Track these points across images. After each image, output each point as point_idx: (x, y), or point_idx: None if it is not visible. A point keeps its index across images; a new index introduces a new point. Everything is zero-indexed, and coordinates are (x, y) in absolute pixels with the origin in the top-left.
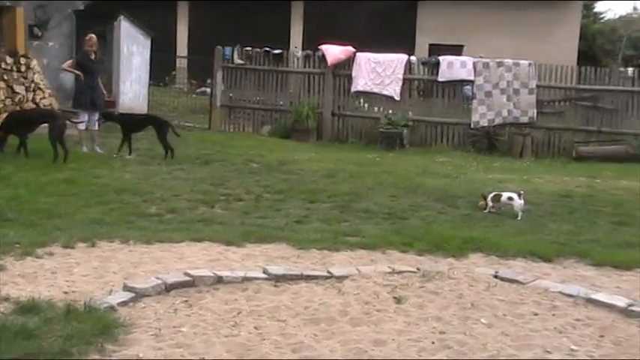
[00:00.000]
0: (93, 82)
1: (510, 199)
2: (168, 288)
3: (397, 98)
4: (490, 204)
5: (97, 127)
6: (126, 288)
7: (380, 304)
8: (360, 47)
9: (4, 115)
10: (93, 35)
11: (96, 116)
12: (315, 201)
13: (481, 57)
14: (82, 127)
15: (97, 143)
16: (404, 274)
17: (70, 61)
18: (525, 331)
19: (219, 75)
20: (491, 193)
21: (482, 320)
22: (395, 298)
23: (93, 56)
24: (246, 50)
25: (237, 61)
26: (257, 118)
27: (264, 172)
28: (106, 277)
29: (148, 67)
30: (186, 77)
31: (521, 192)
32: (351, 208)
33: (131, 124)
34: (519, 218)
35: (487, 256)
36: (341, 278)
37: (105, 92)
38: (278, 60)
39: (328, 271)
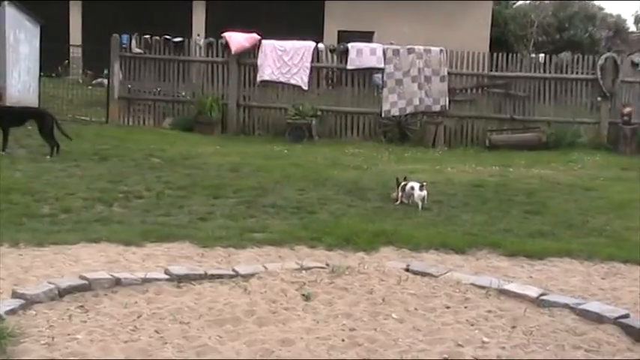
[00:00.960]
0: None
1: (412, 188)
2: (62, 293)
3: (305, 87)
4: (400, 194)
5: None
6: (15, 295)
7: (288, 302)
8: (266, 34)
9: None
10: None
11: None
12: (219, 196)
13: (392, 44)
14: None
15: None
16: (312, 270)
17: None
18: (437, 324)
19: (116, 65)
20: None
21: (394, 315)
22: (303, 295)
23: None
24: (145, 38)
25: (136, 49)
26: (158, 111)
27: (165, 168)
28: None
29: (38, 56)
30: (81, 68)
31: (424, 183)
32: (258, 204)
33: (8, 118)
34: (420, 209)
35: (398, 250)
36: (247, 276)
37: None
38: (179, 49)
39: (233, 270)
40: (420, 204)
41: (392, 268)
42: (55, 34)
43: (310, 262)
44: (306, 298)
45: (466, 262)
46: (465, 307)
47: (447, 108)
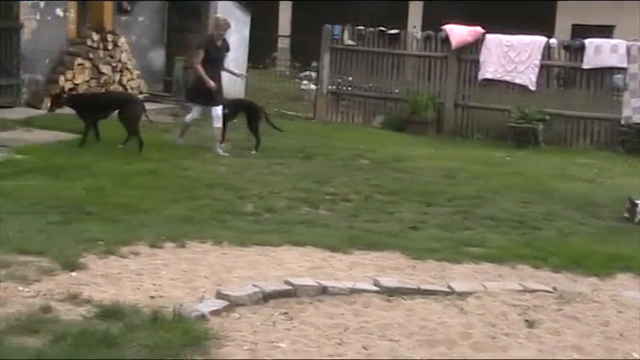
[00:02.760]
0: (214, 72)
1: None
2: (267, 297)
3: (532, 88)
4: None
5: (219, 125)
6: (219, 295)
7: (508, 327)
8: (490, 28)
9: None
10: (222, 17)
11: (216, 111)
12: (432, 204)
13: (636, 40)
14: (188, 119)
15: (221, 143)
16: (537, 293)
17: (201, 54)
18: None
19: (326, 57)
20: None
21: (634, 355)
22: (526, 321)
23: (220, 42)
24: (358, 30)
25: (348, 41)
26: (368, 108)
27: (374, 170)
28: (196, 281)
29: (247, 47)
30: (289, 59)
31: None
32: (475, 214)
33: (224, 110)
34: None
35: (638, 277)
36: (463, 295)
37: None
38: (394, 41)
39: (449, 286)
40: None
41: (631, 298)
42: (263, 24)
43: (534, 284)
44: (530, 324)
45: None
46: None
47: None
